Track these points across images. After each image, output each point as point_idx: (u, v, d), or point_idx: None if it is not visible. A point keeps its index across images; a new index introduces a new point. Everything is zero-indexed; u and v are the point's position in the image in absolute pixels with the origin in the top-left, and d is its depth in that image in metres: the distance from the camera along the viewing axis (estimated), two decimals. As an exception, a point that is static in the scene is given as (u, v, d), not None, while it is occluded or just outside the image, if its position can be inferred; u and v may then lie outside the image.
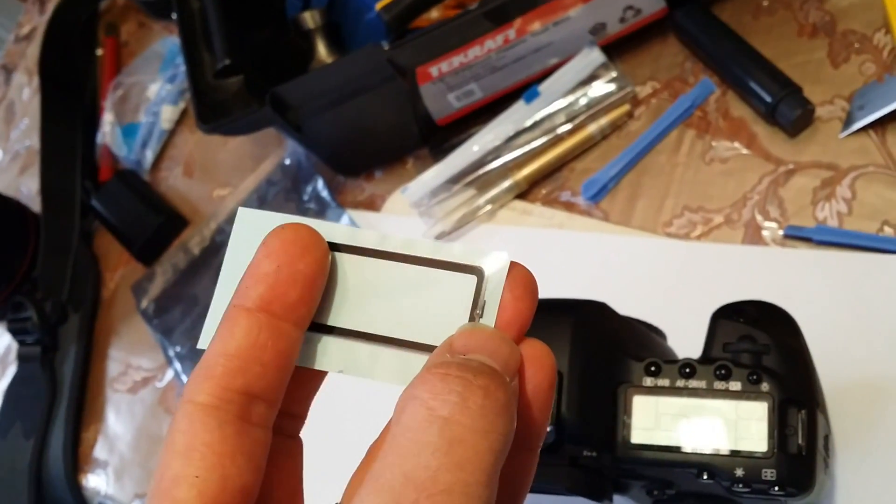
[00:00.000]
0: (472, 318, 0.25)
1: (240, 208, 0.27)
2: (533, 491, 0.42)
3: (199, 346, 0.25)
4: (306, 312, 0.25)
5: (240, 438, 0.23)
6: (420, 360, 0.25)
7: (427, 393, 0.22)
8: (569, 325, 0.42)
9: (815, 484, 0.39)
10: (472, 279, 0.25)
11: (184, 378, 0.71)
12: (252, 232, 0.26)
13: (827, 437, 0.43)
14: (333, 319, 0.26)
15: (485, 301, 0.25)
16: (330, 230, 0.26)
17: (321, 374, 0.27)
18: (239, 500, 0.23)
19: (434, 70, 0.63)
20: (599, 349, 0.42)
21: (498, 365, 0.23)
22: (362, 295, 0.26)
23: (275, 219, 0.26)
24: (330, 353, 0.26)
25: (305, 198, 0.72)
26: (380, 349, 0.26)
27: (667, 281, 0.59)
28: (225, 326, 0.24)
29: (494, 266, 0.26)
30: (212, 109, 0.64)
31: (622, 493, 0.43)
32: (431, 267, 0.26)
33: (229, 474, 0.23)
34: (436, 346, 0.25)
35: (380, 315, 0.26)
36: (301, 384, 0.27)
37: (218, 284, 0.26)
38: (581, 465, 0.40)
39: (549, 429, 0.40)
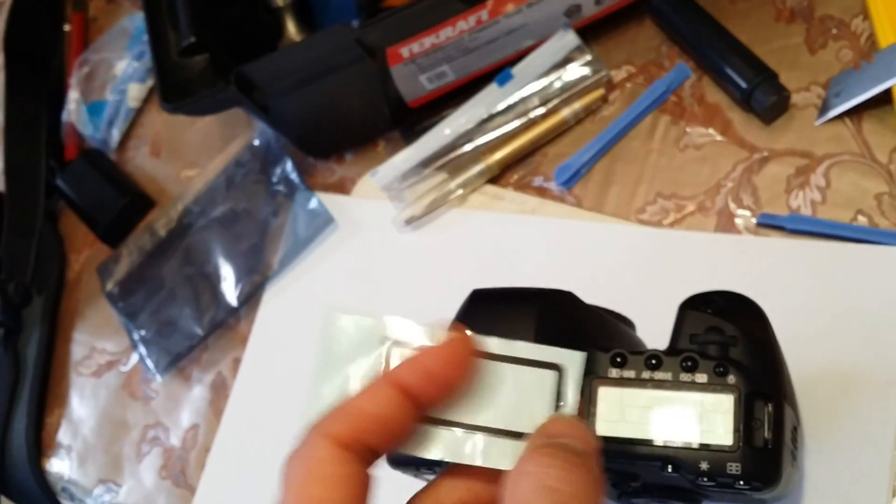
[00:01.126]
0: (557, 408, 0.30)
1: (329, 311, 0.31)
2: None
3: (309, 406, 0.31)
4: (432, 409, 0.30)
5: (365, 479, 0.28)
6: (512, 444, 0.30)
7: (537, 467, 0.27)
8: (533, 314, 0.40)
9: (782, 478, 0.38)
10: (554, 374, 0.30)
11: (148, 362, 0.70)
12: (345, 336, 0.30)
13: (795, 430, 0.43)
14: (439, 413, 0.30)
15: (566, 392, 0.30)
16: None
17: None
18: None
19: (405, 51, 0.61)
20: (565, 340, 0.41)
21: (587, 447, 0.29)
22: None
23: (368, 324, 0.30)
24: (434, 441, 0.30)
25: (274, 180, 0.71)
26: (478, 437, 0.30)
27: (638, 269, 0.58)
28: (374, 387, 0.29)
29: (571, 362, 0.31)
30: (176, 88, 0.62)
31: (586, 486, 0.42)
32: (520, 365, 0.30)
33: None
34: (525, 433, 0.30)
35: (477, 407, 0.30)
36: None
37: (317, 375, 0.31)
38: (544, 458, 0.39)
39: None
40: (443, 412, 0.30)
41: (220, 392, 0.67)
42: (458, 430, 0.30)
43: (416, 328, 0.31)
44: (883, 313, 0.50)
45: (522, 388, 0.30)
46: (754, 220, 0.56)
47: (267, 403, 0.64)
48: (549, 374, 0.30)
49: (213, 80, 0.62)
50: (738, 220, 0.56)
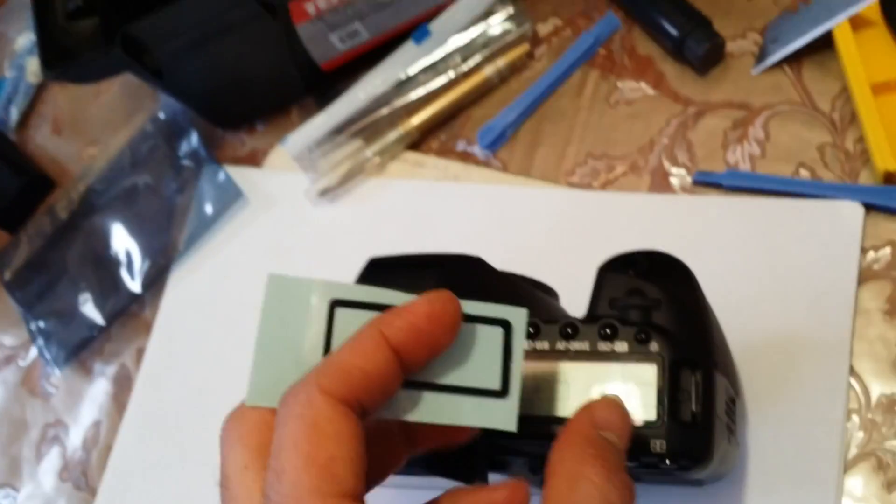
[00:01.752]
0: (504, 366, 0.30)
1: (270, 275, 0.30)
2: (398, 472, 0.36)
3: (248, 402, 0.29)
4: (416, 371, 0.29)
5: (364, 440, 0.27)
6: (493, 403, 0.30)
7: (598, 478, 0.27)
8: (433, 281, 0.36)
9: (713, 455, 0.34)
10: (502, 330, 0.30)
11: (46, 355, 0.64)
12: (287, 299, 0.30)
13: (733, 402, 0.39)
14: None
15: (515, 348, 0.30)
16: None
17: None
18: (364, 486, 0.26)
19: (310, 7, 0.56)
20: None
21: (625, 442, 0.30)
22: None
23: (309, 286, 0.30)
24: (414, 403, 0.29)
25: (180, 154, 0.65)
26: (456, 398, 0.29)
27: (568, 235, 0.53)
28: (367, 344, 0.27)
29: (516, 317, 0.30)
30: (62, 55, 0.57)
31: (501, 472, 0.37)
32: (473, 322, 0.29)
33: (364, 463, 0.26)
34: (494, 389, 0.29)
35: (443, 367, 0.29)
36: None
37: (256, 347, 0.30)
38: (448, 443, 0.35)
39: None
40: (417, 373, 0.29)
41: (123, 385, 0.61)
42: (434, 391, 0.29)
43: (366, 290, 0.30)
44: (828, 272, 0.46)
45: (478, 346, 0.30)
46: (690, 179, 0.52)
47: (173, 396, 0.59)
48: (499, 331, 0.30)
49: (104, 46, 0.57)
50: (673, 180, 0.52)
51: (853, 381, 0.44)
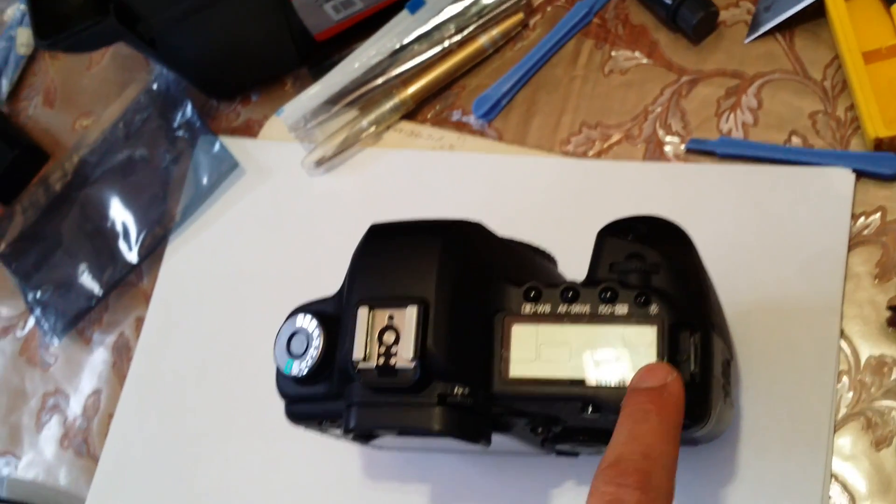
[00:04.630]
0: None
1: None
2: (400, 433, 0.37)
3: None
4: None
5: None
6: None
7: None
8: (436, 246, 0.36)
9: (711, 414, 0.35)
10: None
11: (44, 325, 0.64)
12: None
13: (728, 364, 0.39)
14: None
15: None
16: None
17: None
18: None
19: (305, -25, 0.56)
20: (472, 274, 0.37)
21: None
22: None
23: None
24: None
25: (175, 125, 0.65)
26: None
27: (563, 203, 0.54)
28: None
29: None
30: (55, 24, 0.57)
31: (503, 433, 0.38)
32: None
33: None
34: None
35: None
36: None
37: None
38: (452, 404, 0.35)
39: (413, 364, 0.35)
40: None
41: (122, 354, 0.62)
42: None
43: None
44: (819, 238, 0.47)
45: None
46: (683, 147, 0.52)
47: (172, 364, 0.59)
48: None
49: (95, 13, 0.57)
50: (666, 148, 0.53)
51: (843, 344, 0.45)
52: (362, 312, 0.36)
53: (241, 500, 0.53)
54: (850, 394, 0.43)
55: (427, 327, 0.35)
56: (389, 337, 0.36)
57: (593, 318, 0.36)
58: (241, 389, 0.56)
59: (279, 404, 0.41)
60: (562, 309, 0.36)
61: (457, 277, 0.36)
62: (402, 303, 0.36)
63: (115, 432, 0.59)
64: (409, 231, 0.38)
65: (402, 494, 0.49)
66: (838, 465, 0.42)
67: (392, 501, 0.49)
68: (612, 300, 0.35)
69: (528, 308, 0.37)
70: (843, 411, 0.43)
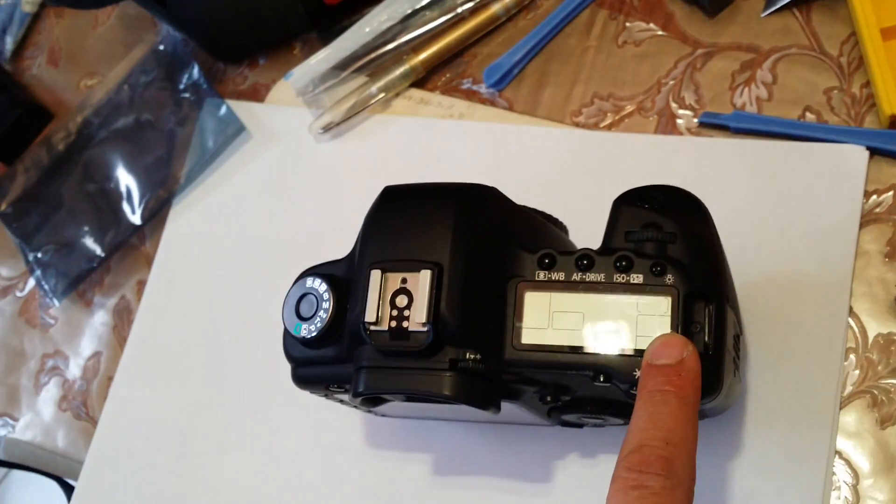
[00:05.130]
0: None
1: None
2: (411, 399, 0.37)
3: None
4: None
5: None
6: None
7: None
8: (451, 210, 0.36)
9: (723, 386, 0.35)
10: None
11: (45, 286, 0.64)
12: None
13: (737, 338, 0.39)
14: None
15: None
16: None
17: None
18: None
19: (317, -63, 0.55)
20: (487, 239, 0.37)
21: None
22: None
23: None
24: None
25: (181, 87, 0.65)
26: None
27: (574, 174, 0.54)
28: None
29: None
30: (63, -21, 0.56)
31: (512, 400, 0.38)
32: None
33: None
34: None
35: None
36: None
37: None
38: (464, 370, 0.35)
39: (426, 328, 0.35)
40: None
41: (123, 317, 0.61)
42: None
43: None
44: (830, 215, 0.47)
45: None
46: (696, 121, 0.52)
47: (174, 328, 0.59)
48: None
49: (104, -30, 0.56)
50: (679, 121, 0.52)
51: (851, 321, 0.44)
52: (375, 275, 0.36)
53: (240, 465, 0.53)
54: (857, 371, 0.43)
55: (441, 291, 0.35)
56: (402, 300, 0.35)
57: (608, 286, 0.35)
58: (242, 355, 0.55)
59: (281, 370, 0.40)
60: (576, 277, 0.36)
61: (471, 242, 0.36)
62: (415, 266, 0.35)
63: (114, 395, 0.59)
64: (423, 194, 0.38)
65: (403, 463, 0.49)
66: (843, 443, 0.42)
67: (394, 469, 0.49)
68: (627, 269, 0.35)
69: (542, 275, 0.36)
70: (849, 389, 0.43)
